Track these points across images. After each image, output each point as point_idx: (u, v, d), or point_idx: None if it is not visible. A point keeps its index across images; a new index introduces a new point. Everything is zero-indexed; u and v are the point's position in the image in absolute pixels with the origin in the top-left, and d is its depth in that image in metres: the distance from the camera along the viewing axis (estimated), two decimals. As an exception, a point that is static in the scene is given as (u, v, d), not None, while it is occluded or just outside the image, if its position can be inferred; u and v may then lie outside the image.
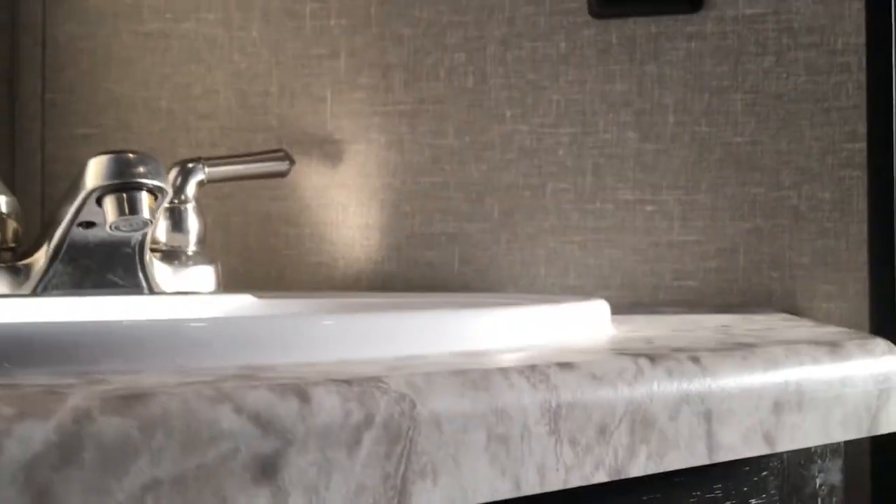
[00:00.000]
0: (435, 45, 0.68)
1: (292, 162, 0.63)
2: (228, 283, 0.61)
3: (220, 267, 0.59)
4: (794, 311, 0.62)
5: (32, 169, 0.73)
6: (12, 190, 0.56)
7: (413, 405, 0.23)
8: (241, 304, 0.57)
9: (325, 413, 0.21)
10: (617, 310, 0.59)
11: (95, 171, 0.48)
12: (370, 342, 0.28)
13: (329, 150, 0.69)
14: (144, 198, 0.47)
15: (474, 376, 0.25)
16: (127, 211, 0.47)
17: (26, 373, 0.23)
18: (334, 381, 0.23)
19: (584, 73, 0.66)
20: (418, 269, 0.67)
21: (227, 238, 0.70)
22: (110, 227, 0.48)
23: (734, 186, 0.63)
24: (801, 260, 0.62)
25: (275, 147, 0.68)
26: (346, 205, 0.69)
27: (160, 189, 0.49)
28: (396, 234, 0.68)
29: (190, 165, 0.58)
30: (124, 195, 0.47)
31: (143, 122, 0.72)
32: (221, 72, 0.71)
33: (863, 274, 0.61)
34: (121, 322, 0.28)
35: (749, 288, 0.63)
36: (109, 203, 0.47)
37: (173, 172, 0.58)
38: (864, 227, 0.61)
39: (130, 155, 0.49)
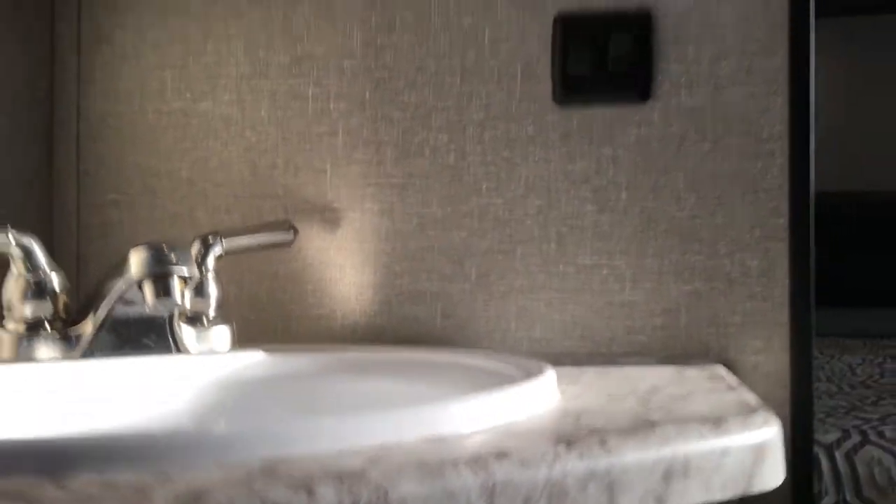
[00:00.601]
0: (422, 126, 0.78)
1: (296, 232, 0.74)
2: (242, 333, 0.71)
3: (234, 325, 0.69)
4: (728, 362, 0.72)
5: (69, 231, 0.83)
6: (50, 250, 0.66)
7: (387, 493, 0.34)
8: (254, 360, 0.67)
9: (325, 502, 0.32)
10: (576, 359, 0.70)
11: (136, 262, 0.58)
12: (360, 435, 0.39)
13: (329, 217, 0.79)
14: (176, 283, 0.58)
15: (432, 467, 0.35)
16: (162, 295, 0.57)
17: (114, 471, 0.33)
18: (331, 476, 0.33)
19: (550, 153, 0.76)
20: (406, 322, 0.77)
21: (240, 292, 0.80)
22: (148, 308, 0.59)
23: (677, 254, 0.74)
24: (734, 319, 0.73)
25: (281, 214, 0.79)
26: (343, 265, 0.79)
27: (189, 275, 0.59)
28: (387, 292, 0.78)
29: (210, 240, 0.68)
30: (160, 283, 0.57)
31: (166, 190, 0.82)
32: (235, 146, 0.81)
33: (785, 330, 0.72)
34: (180, 432, 0.38)
35: (690, 342, 0.73)
36: (148, 289, 0.57)
37: (196, 246, 0.68)
38: (786, 291, 0.72)
39: (164, 247, 0.59)
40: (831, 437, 1.28)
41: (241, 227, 0.76)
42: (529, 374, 0.53)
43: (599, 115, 0.75)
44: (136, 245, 0.60)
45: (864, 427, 1.31)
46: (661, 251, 0.74)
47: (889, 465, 1.24)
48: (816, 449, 1.18)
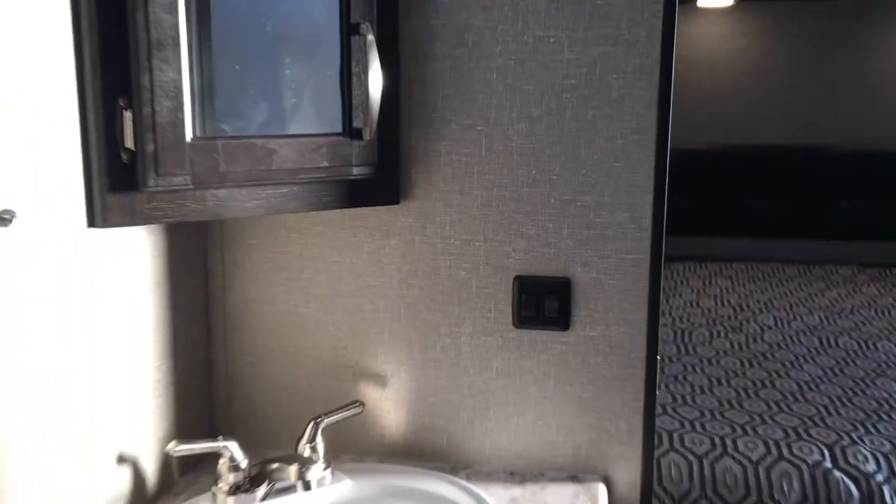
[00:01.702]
0: (435, 333, 1.31)
1: (363, 405, 1.29)
2: (338, 444, 1.27)
3: (331, 466, 1.25)
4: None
5: (220, 376, 1.38)
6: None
7: None
8: (345, 488, 1.24)
9: None
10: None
11: (285, 463, 1.14)
12: None
13: (379, 381, 1.34)
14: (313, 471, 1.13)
15: None
16: (303, 476, 1.13)
17: None
18: None
19: (511, 355, 1.29)
20: (426, 441, 1.34)
21: (329, 430, 1.35)
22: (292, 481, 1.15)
23: (585, 418, 1.29)
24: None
25: (350, 378, 1.33)
26: (388, 408, 1.34)
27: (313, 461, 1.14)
28: (414, 424, 1.34)
29: (318, 421, 1.23)
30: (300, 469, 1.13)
31: (278, 359, 1.36)
32: (322, 336, 1.35)
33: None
34: None
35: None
36: (293, 473, 1.13)
37: (310, 427, 1.23)
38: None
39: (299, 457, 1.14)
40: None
41: (332, 409, 1.31)
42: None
43: (539, 336, 1.28)
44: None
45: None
46: (577, 412, 1.29)
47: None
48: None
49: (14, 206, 0.91)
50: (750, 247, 3.94)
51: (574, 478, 1.29)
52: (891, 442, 1.86)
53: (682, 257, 3.87)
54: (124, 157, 1.01)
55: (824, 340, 2.71)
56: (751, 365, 2.44)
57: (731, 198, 3.91)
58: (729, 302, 3.19)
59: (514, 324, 1.28)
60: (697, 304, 3.18)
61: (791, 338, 2.74)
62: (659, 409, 2.03)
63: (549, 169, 1.24)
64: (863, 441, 1.85)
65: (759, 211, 3.92)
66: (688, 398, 2.12)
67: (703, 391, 2.18)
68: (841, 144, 3.82)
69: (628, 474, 1.29)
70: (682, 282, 3.52)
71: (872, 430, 1.92)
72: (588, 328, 1.27)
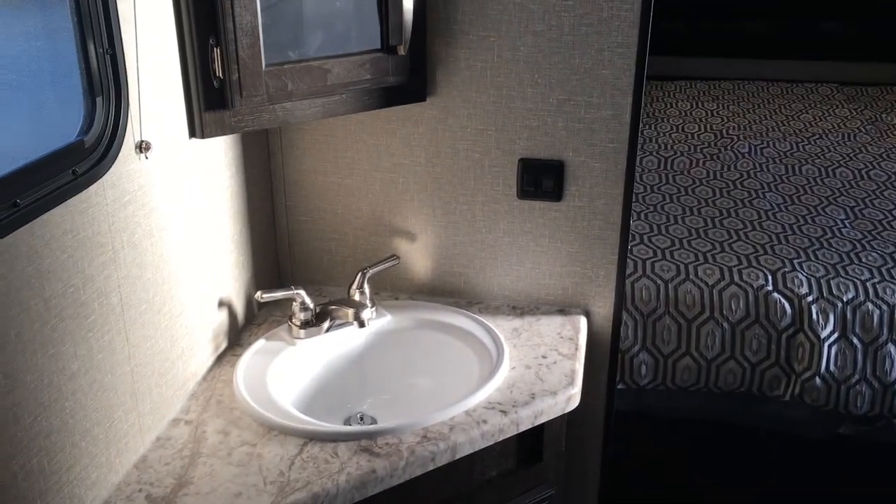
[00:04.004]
0: (454, 201, 1.65)
1: (398, 258, 1.65)
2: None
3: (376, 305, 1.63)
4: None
5: (282, 234, 1.73)
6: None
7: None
8: (387, 320, 1.62)
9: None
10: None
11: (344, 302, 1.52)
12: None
13: (410, 237, 1.69)
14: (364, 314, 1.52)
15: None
16: (359, 316, 1.51)
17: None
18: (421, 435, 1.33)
19: (514, 218, 1.63)
20: (449, 284, 1.72)
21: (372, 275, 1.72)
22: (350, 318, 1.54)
23: (572, 267, 1.65)
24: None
25: (386, 233, 1.69)
26: (418, 258, 1.71)
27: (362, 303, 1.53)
28: (438, 270, 1.71)
29: (365, 271, 1.60)
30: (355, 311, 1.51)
31: (328, 218, 1.71)
32: (364, 202, 1.68)
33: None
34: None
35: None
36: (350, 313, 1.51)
37: (359, 276, 1.59)
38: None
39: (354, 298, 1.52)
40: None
41: (376, 260, 1.66)
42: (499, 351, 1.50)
43: (537, 205, 1.62)
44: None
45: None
46: (559, 263, 1.66)
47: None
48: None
49: (147, 136, 1.21)
50: (739, 67, 4.15)
51: (562, 311, 1.68)
52: (825, 267, 2.25)
53: (674, 77, 4.10)
54: (216, 83, 1.30)
55: (790, 168, 3.04)
56: (721, 194, 2.78)
57: (723, 19, 4.07)
58: (712, 127, 3.48)
59: (517, 196, 1.62)
60: (683, 129, 3.46)
61: (761, 165, 3.06)
62: (636, 239, 2.40)
63: (549, 74, 1.52)
64: (801, 267, 2.24)
65: (750, 32, 4.09)
66: (662, 228, 2.49)
67: (676, 221, 2.55)
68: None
69: (603, 309, 1.68)
70: (672, 104, 3.78)
71: (812, 256, 2.31)
72: (576, 200, 1.60)
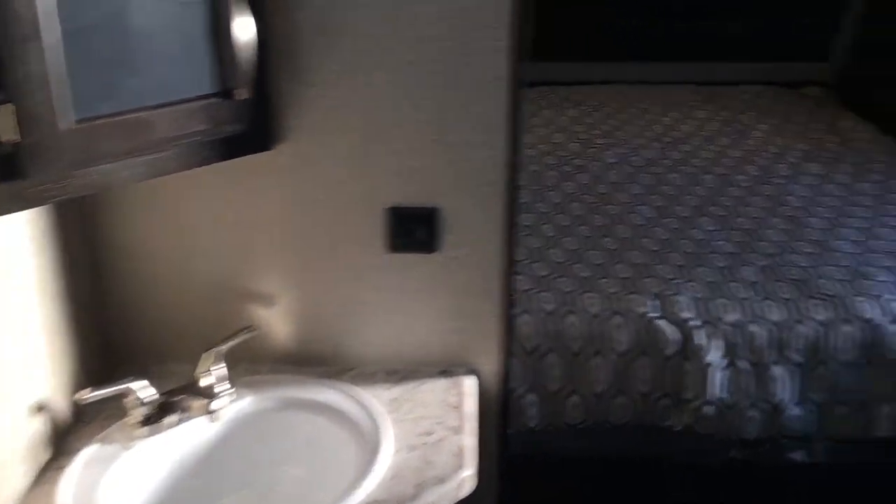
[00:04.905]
0: (316, 258, 1.43)
1: (256, 328, 1.42)
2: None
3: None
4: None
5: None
6: None
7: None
8: (247, 403, 1.40)
9: None
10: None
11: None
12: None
13: (269, 301, 1.47)
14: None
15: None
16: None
17: None
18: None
19: (387, 274, 1.44)
20: (317, 350, 1.51)
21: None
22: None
23: (453, 323, 1.48)
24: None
25: (245, 310, 1.46)
26: (280, 323, 1.49)
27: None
28: (304, 335, 1.50)
29: (215, 350, 1.36)
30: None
31: (170, 287, 1.46)
32: (210, 264, 1.44)
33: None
34: None
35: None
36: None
37: (209, 356, 1.36)
38: (499, 341, 1.49)
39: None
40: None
41: (228, 331, 1.42)
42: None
43: (412, 258, 1.43)
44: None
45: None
46: (439, 320, 1.48)
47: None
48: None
49: None
50: (595, 70, 4.13)
51: (445, 372, 1.50)
52: (705, 287, 2.19)
53: (536, 83, 4.02)
54: (7, 148, 1.04)
55: (658, 178, 3.00)
56: (594, 210, 2.70)
57: (575, 21, 4.03)
58: (577, 136, 3.41)
59: (388, 249, 1.43)
60: (549, 140, 3.38)
61: (630, 175, 3.00)
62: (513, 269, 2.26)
63: (416, 113, 1.33)
64: (682, 289, 2.17)
65: (604, 33, 4.07)
66: (539, 253, 2.37)
67: (552, 244, 2.43)
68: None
69: (490, 365, 1.52)
70: (535, 112, 3.69)
71: (691, 276, 2.24)
72: (454, 249, 1.43)
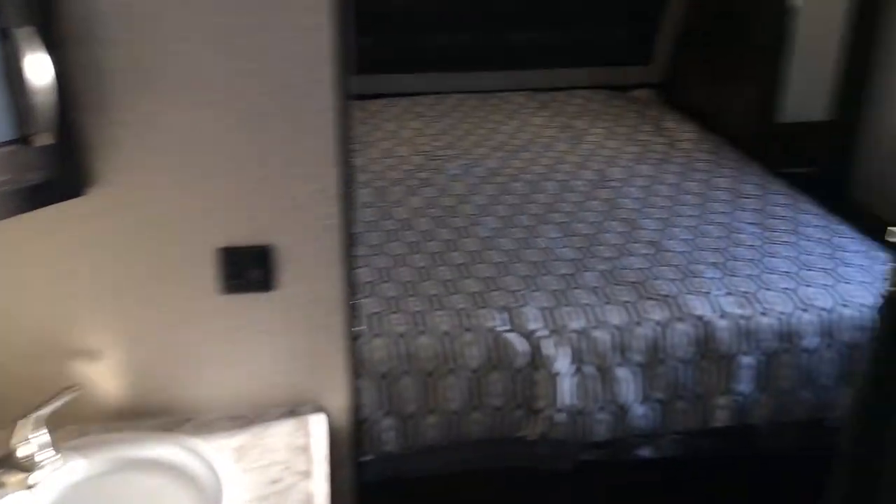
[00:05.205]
0: (146, 304, 1.35)
1: (79, 388, 1.32)
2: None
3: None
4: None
5: None
6: None
7: None
8: (78, 468, 1.29)
9: None
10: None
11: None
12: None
13: (96, 355, 1.37)
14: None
15: None
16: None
17: None
18: None
19: (222, 317, 1.38)
20: (153, 401, 1.42)
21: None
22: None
23: (296, 362, 1.43)
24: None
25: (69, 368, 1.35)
26: (109, 377, 1.39)
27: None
28: (137, 388, 1.40)
29: (33, 415, 1.25)
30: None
31: None
32: (26, 321, 1.32)
33: (346, 390, 1.47)
34: None
35: (301, 399, 1.46)
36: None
37: (26, 423, 1.24)
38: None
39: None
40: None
41: (50, 392, 1.31)
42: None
43: (248, 299, 1.37)
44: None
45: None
46: (280, 360, 1.43)
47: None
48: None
49: None
50: (434, 81, 4.17)
51: (292, 412, 1.45)
52: (550, 296, 2.24)
53: (376, 95, 4.00)
54: None
55: (501, 187, 3.05)
56: (440, 224, 2.70)
57: (409, 33, 4.04)
58: (421, 148, 3.42)
59: (222, 290, 1.36)
60: (393, 153, 3.37)
61: (474, 187, 3.04)
62: (364, 291, 2.23)
63: (242, 147, 1.28)
64: (529, 300, 2.21)
65: (439, 44, 4.12)
66: (387, 273, 2.35)
67: (400, 262, 2.42)
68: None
69: (339, 399, 1.48)
70: (377, 125, 3.68)
71: (537, 285, 2.29)
72: (291, 286, 1.38)
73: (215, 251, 1.34)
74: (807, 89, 3.46)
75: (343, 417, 1.50)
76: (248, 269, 1.36)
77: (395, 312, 2.14)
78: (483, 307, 2.17)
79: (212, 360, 1.41)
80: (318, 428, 1.42)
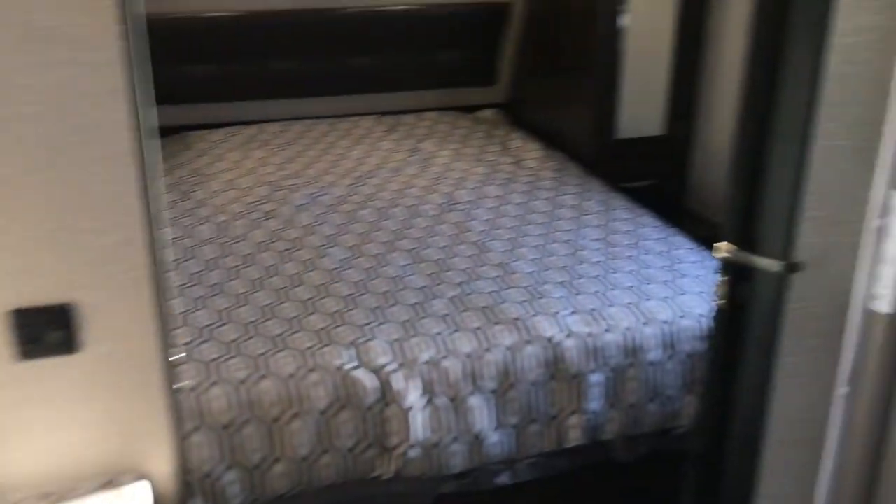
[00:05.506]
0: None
1: None
2: None
3: None
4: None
5: None
6: None
7: None
8: None
9: None
10: None
11: None
12: None
13: None
14: None
15: None
16: None
17: None
18: None
19: (20, 387, 1.23)
20: None
21: None
22: None
23: (112, 428, 1.30)
24: (143, 452, 1.34)
25: None
26: None
27: None
28: None
29: None
30: None
31: None
32: None
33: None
34: None
35: (120, 468, 1.34)
36: None
37: None
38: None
39: None
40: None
41: None
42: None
43: (49, 364, 1.24)
44: None
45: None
46: (94, 426, 1.30)
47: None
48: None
49: None
50: (284, 107, 4.06)
51: (111, 482, 1.32)
52: (399, 327, 2.18)
53: (220, 124, 3.85)
54: None
55: (349, 216, 2.97)
56: (285, 258, 2.60)
57: (258, 62, 3.93)
58: (265, 179, 3.30)
59: (18, 357, 1.22)
60: (234, 185, 3.23)
61: (321, 217, 2.95)
62: (201, 336, 2.11)
63: (30, 198, 1.16)
64: (377, 333, 2.15)
65: (288, 72, 4.02)
66: (227, 314, 2.23)
67: (242, 302, 2.30)
68: (349, 6, 4.02)
69: (163, 464, 1.37)
70: (220, 155, 3.52)
71: (385, 317, 2.23)
72: (99, 346, 1.26)
73: (6, 314, 1.20)
74: (641, 106, 3.60)
75: (170, 482, 1.38)
76: (46, 331, 1.23)
77: (234, 357, 2.02)
78: (329, 344, 2.09)
79: (12, 435, 1.27)
80: (139, 498, 1.30)
